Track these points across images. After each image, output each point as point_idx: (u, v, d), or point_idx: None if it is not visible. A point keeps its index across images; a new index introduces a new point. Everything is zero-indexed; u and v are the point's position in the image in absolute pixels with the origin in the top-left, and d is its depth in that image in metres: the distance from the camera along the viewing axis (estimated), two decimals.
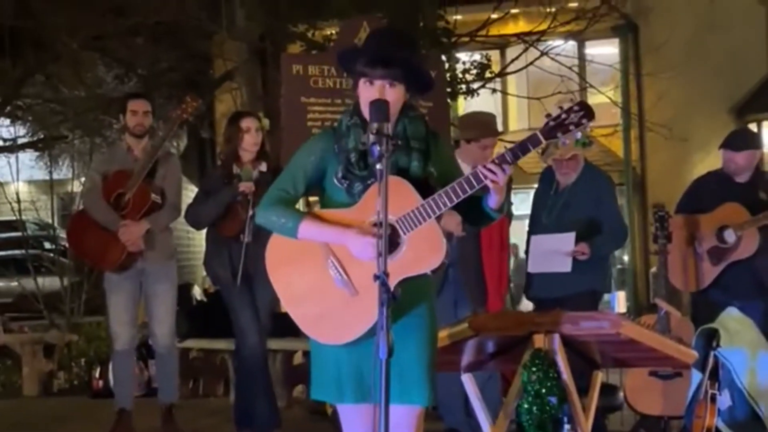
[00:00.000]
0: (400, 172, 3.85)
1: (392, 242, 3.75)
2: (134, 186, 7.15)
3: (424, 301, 3.99)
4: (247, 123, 6.99)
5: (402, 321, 3.87)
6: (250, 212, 6.73)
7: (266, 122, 6.99)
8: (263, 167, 6.89)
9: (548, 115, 3.85)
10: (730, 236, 7.04)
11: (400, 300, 3.69)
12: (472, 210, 4.03)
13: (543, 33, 15.15)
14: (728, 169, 7.19)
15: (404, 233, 3.78)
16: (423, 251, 3.80)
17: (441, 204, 3.79)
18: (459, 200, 3.80)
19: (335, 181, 3.94)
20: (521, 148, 3.83)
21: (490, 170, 3.79)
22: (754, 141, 7.39)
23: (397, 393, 3.83)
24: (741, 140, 7.33)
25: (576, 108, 3.83)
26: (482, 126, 7.05)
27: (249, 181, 6.80)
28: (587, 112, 3.82)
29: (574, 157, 7.22)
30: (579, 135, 3.85)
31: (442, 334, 4.66)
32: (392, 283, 3.61)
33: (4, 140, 17.96)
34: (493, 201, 3.94)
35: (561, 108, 3.86)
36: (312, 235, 3.88)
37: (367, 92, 3.91)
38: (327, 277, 3.86)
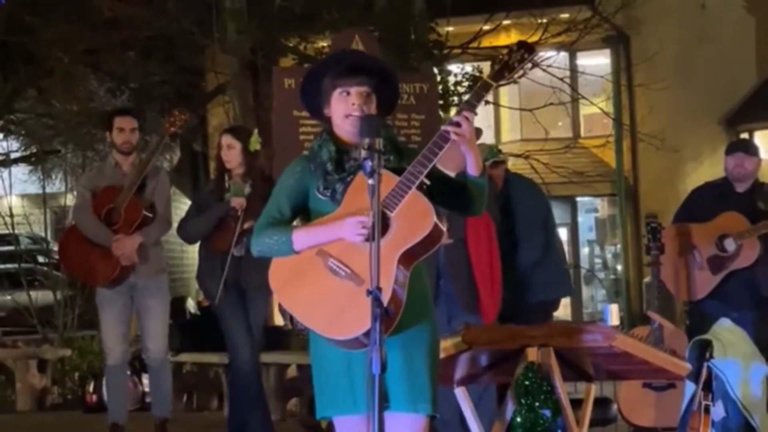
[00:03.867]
0: None
1: (383, 225, 3.78)
2: (125, 201, 7.14)
3: (428, 317, 4.03)
4: (223, 139, 7.02)
5: (409, 332, 3.91)
6: (244, 226, 6.72)
7: (254, 140, 6.94)
8: (247, 188, 6.85)
9: (493, 61, 4.03)
10: (730, 245, 7.06)
11: (409, 308, 3.80)
12: (458, 193, 4.06)
13: (535, 44, 15.17)
14: (736, 173, 7.18)
15: (391, 211, 3.82)
16: (413, 219, 3.83)
17: (417, 172, 3.84)
18: (432, 164, 3.85)
19: (318, 195, 4.00)
20: (476, 96, 4.00)
21: (452, 123, 3.88)
22: (758, 150, 7.41)
23: (406, 401, 3.89)
24: (752, 146, 7.39)
25: (515, 47, 4.07)
26: None
27: (239, 194, 6.79)
28: (527, 48, 4.08)
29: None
30: (526, 71, 4.04)
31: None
32: (394, 259, 3.74)
33: None
34: (471, 166, 3.99)
35: (503, 52, 4.11)
36: (306, 240, 3.92)
37: (344, 104, 4.00)
38: (331, 279, 3.87)
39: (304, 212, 4.09)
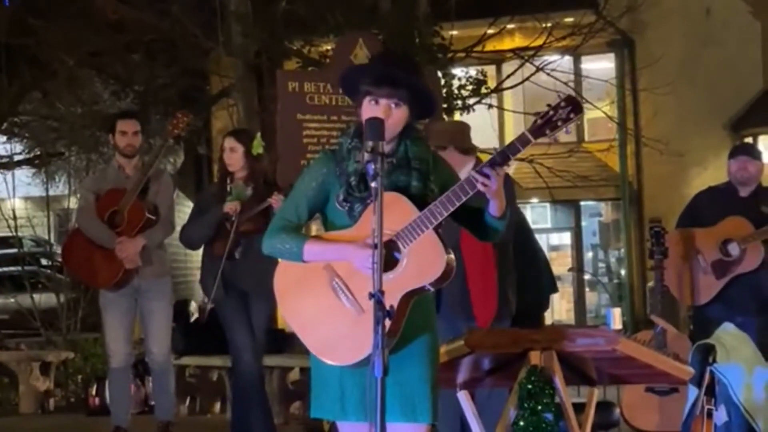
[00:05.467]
0: (399, 191, 3.85)
1: (393, 257, 3.76)
2: (128, 203, 7.14)
3: (428, 328, 3.99)
4: (225, 142, 7.02)
5: (408, 345, 3.88)
6: (240, 229, 6.72)
7: (257, 143, 6.93)
8: (249, 191, 6.84)
9: (537, 113, 3.85)
10: (734, 249, 7.05)
11: (408, 320, 3.75)
12: (477, 223, 4.02)
13: (539, 48, 15.18)
14: (740, 176, 7.17)
15: (404, 246, 3.78)
16: (423, 263, 3.79)
17: (437, 214, 3.78)
18: (455, 208, 3.78)
19: (336, 204, 3.94)
20: (511, 149, 3.82)
21: (481, 174, 3.76)
22: (761, 154, 7.40)
23: (403, 411, 3.87)
24: (755, 149, 7.38)
25: (563, 104, 3.84)
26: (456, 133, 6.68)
27: (241, 198, 6.77)
28: (575, 106, 3.83)
29: None
30: (569, 130, 3.85)
31: (440, 351, 4.65)
32: (396, 298, 3.67)
33: (1, 157, 17.97)
34: (493, 208, 3.92)
35: (549, 105, 3.86)
36: (316, 255, 3.89)
37: (372, 111, 3.89)
38: (334, 299, 3.85)
39: (320, 213, 4.05)
